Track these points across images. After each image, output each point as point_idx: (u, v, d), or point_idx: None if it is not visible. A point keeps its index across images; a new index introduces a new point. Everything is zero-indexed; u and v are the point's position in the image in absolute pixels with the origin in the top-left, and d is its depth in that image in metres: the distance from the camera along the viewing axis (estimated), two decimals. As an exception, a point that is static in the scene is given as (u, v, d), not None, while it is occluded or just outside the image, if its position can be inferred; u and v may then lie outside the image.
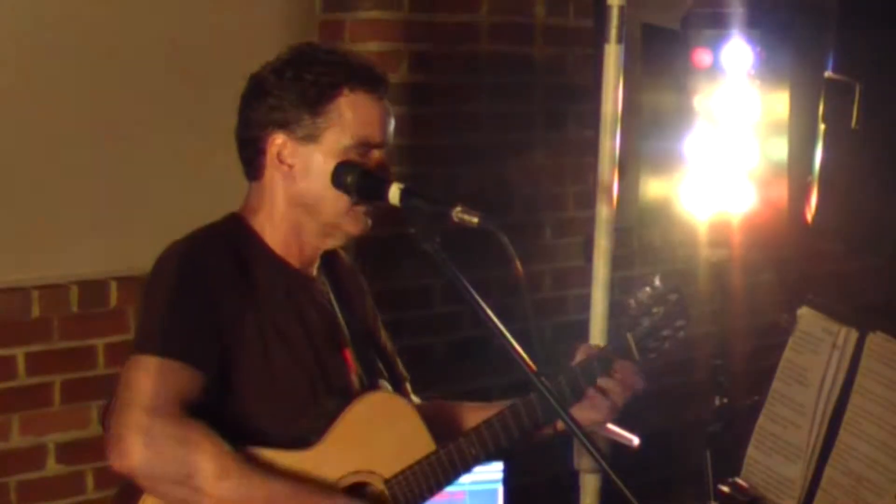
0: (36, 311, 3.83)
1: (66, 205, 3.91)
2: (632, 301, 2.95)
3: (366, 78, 2.76)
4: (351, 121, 2.73)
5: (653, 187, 4.66)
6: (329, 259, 2.90)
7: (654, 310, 2.93)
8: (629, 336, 2.91)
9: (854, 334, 3.58)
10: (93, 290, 3.93)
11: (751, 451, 3.71)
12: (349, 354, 2.82)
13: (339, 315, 2.85)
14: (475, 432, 2.78)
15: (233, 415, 2.63)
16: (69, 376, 3.88)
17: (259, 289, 2.72)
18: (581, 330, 3.58)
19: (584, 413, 2.85)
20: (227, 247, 2.73)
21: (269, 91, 2.76)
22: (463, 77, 4.49)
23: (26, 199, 3.84)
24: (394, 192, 2.64)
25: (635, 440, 3.09)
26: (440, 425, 2.86)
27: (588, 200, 4.58)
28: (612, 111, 3.48)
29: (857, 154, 4.58)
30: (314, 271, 2.85)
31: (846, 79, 4.46)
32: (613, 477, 2.38)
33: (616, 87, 3.48)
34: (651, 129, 4.71)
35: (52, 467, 3.89)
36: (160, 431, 2.51)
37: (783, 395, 3.68)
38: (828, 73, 4.39)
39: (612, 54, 3.47)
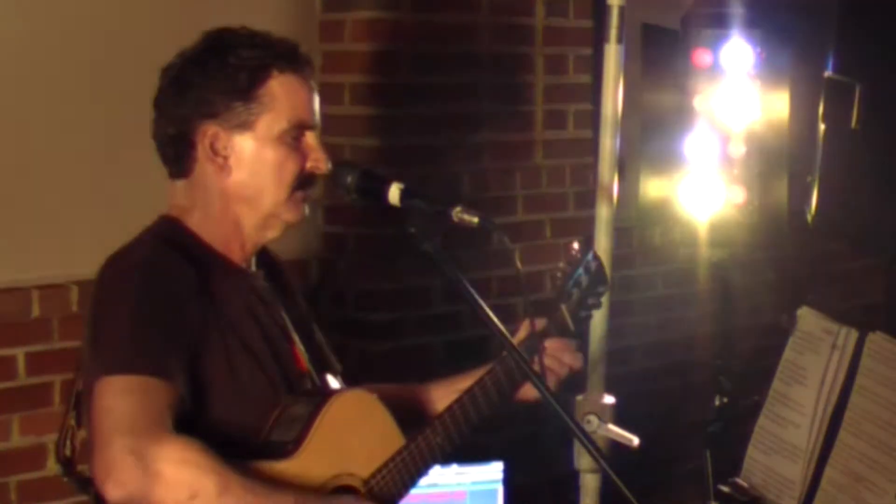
0: (36, 311, 3.83)
1: (66, 205, 3.91)
2: (558, 272, 2.88)
3: (293, 58, 2.67)
4: (284, 103, 2.63)
5: (653, 187, 4.65)
6: (259, 252, 2.77)
7: (581, 278, 2.86)
8: (563, 308, 2.85)
9: (854, 334, 3.58)
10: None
11: (751, 451, 3.71)
12: (297, 349, 2.74)
13: (282, 309, 2.76)
14: (439, 420, 2.74)
15: (203, 427, 2.51)
16: (69, 376, 3.86)
17: (214, 292, 2.60)
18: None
19: (528, 391, 2.82)
20: (179, 252, 2.60)
21: (191, 82, 2.64)
22: (463, 77, 4.49)
23: (26, 200, 3.84)
24: (394, 192, 2.62)
25: (635, 440, 3.09)
26: (407, 412, 2.82)
27: (588, 200, 4.58)
28: (612, 111, 3.48)
29: (857, 154, 4.57)
30: (254, 266, 2.74)
31: (846, 79, 4.45)
32: (613, 477, 2.38)
33: (616, 87, 3.47)
34: (651, 129, 4.71)
35: (52, 467, 3.88)
36: (154, 454, 2.37)
37: (783, 395, 3.68)
38: (828, 73, 4.39)
39: (612, 54, 3.47)
